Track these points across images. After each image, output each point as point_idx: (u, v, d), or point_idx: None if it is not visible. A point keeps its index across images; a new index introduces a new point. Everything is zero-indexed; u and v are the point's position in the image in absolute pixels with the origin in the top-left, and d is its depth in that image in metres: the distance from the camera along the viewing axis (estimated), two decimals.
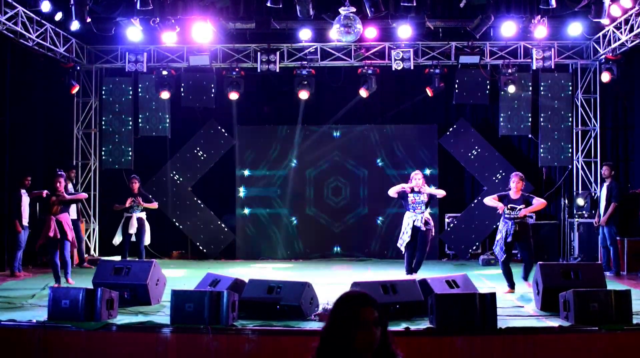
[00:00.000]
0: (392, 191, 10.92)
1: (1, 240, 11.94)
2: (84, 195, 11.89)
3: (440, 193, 11.08)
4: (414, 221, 10.57)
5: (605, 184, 12.11)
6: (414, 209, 10.64)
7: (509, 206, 9.53)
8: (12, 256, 11.57)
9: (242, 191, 14.79)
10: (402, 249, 10.79)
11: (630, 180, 13.82)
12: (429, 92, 13.84)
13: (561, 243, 14.17)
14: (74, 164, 14.47)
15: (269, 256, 14.58)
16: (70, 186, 12.42)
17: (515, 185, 9.66)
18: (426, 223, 10.61)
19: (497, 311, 6.95)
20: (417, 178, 10.74)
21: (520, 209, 9.48)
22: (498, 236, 9.64)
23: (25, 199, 11.72)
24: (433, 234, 11.05)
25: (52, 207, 10.01)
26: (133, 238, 12.26)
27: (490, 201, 9.81)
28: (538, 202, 9.64)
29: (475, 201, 14.61)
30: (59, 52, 13.13)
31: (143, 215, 12.41)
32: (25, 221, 11.73)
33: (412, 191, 10.71)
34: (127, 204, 12.14)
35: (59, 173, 10.27)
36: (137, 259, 11.81)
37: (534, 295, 8.43)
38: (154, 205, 12.45)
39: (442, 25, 13.62)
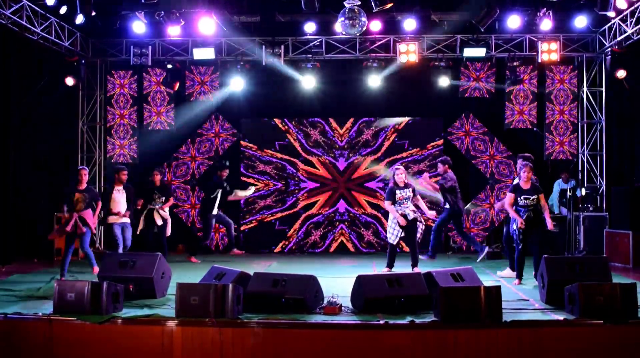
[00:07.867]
0: (387, 205, 10.60)
1: (8, 230, 11.96)
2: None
3: (426, 211, 10.87)
4: (405, 215, 10.40)
5: None
6: (399, 204, 10.49)
7: (522, 196, 9.48)
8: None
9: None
10: (394, 242, 10.54)
11: (636, 173, 13.76)
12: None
13: (566, 236, 14.12)
14: (79, 157, 14.51)
15: (273, 250, 14.62)
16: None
17: (526, 175, 9.56)
18: (415, 213, 10.53)
19: (502, 304, 6.95)
20: (398, 173, 10.63)
21: (534, 199, 9.43)
22: (514, 226, 9.47)
23: (117, 195, 11.03)
24: (423, 227, 10.77)
25: (77, 204, 10.06)
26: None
27: (509, 207, 9.57)
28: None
29: (479, 194, 14.67)
30: (63, 45, 13.13)
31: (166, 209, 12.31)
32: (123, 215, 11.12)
33: (398, 187, 10.59)
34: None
35: (82, 167, 10.31)
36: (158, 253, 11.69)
37: (539, 289, 8.43)
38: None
39: (447, 18, 13.58)
